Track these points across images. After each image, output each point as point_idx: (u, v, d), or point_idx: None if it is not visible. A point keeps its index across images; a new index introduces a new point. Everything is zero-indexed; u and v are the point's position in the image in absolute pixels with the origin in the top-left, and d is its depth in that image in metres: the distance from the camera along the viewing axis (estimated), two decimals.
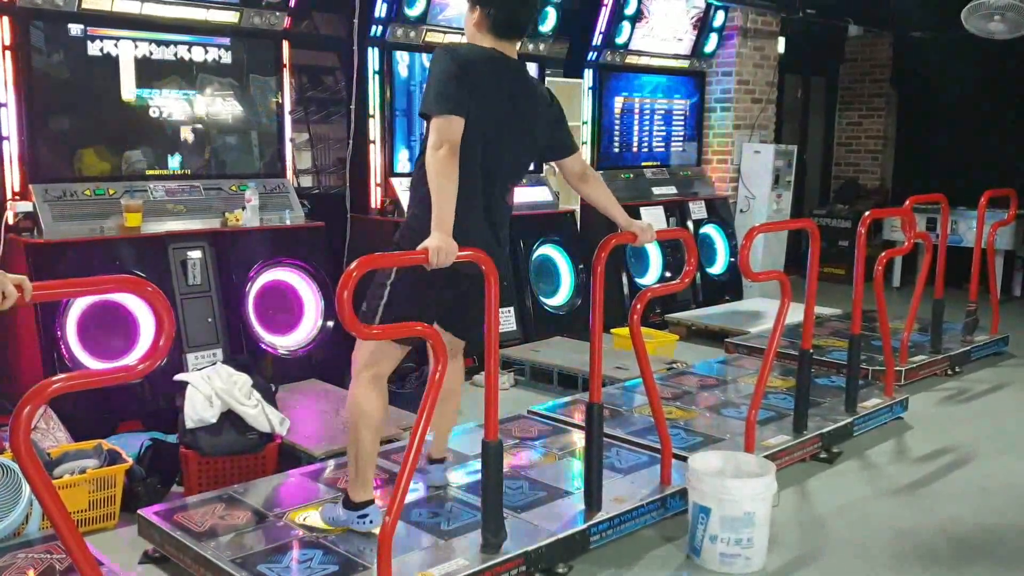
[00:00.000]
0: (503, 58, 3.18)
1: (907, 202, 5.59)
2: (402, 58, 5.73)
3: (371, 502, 3.19)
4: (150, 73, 4.75)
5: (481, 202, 3.14)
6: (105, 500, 3.49)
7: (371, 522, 3.15)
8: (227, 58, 5.01)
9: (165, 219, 4.70)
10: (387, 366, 3.20)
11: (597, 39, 7.06)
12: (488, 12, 3.15)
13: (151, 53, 4.74)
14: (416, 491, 3.51)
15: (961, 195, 7.46)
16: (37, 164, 4.45)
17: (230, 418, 3.80)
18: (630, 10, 7.04)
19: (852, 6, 8.46)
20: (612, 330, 5.78)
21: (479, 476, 3.15)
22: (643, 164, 7.63)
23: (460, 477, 3.70)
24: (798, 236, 8.64)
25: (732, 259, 7.70)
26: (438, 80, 3.01)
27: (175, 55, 4.83)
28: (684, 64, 7.84)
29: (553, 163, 3.48)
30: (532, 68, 5.89)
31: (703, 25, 7.70)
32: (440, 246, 2.87)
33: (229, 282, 4.79)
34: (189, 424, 3.76)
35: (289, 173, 5.35)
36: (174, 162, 4.90)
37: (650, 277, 7.15)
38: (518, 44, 3.27)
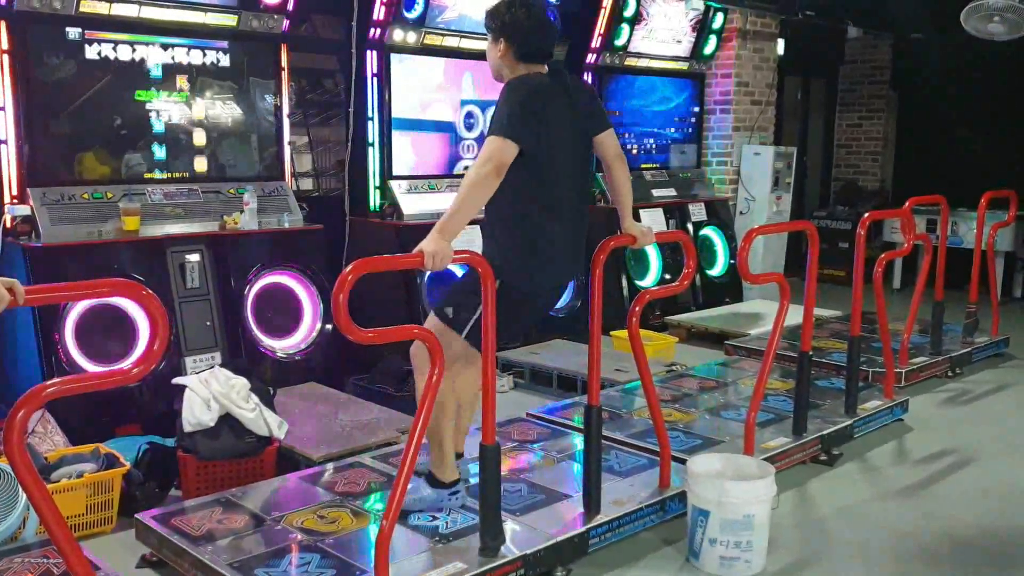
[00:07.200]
0: (549, 80, 3.26)
1: (907, 204, 5.58)
2: (400, 61, 5.72)
3: (458, 480, 3.40)
4: (148, 76, 4.75)
5: (566, 220, 3.28)
6: (102, 504, 3.48)
7: (460, 498, 3.38)
8: (225, 61, 5.01)
9: (163, 222, 4.70)
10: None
11: (596, 41, 7.05)
12: (512, 43, 3.25)
13: (149, 56, 4.74)
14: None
15: (961, 196, 7.46)
16: (35, 168, 4.45)
17: (228, 422, 3.79)
18: (629, 12, 7.04)
19: (851, 8, 8.46)
20: (611, 332, 5.77)
21: (477, 479, 3.14)
22: (642, 166, 7.62)
23: None
24: (798, 238, 8.63)
25: (732, 261, 7.69)
26: (509, 107, 3.11)
27: (173, 58, 4.82)
28: (683, 66, 7.83)
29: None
30: None
31: (702, 27, 7.70)
32: (436, 251, 2.87)
33: (227, 285, 4.78)
34: (187, 428, 3.75)
35: (287, 176, 5.34)
36: (172, 165, 4.89)
37: (649, 279, 7.15)
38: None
